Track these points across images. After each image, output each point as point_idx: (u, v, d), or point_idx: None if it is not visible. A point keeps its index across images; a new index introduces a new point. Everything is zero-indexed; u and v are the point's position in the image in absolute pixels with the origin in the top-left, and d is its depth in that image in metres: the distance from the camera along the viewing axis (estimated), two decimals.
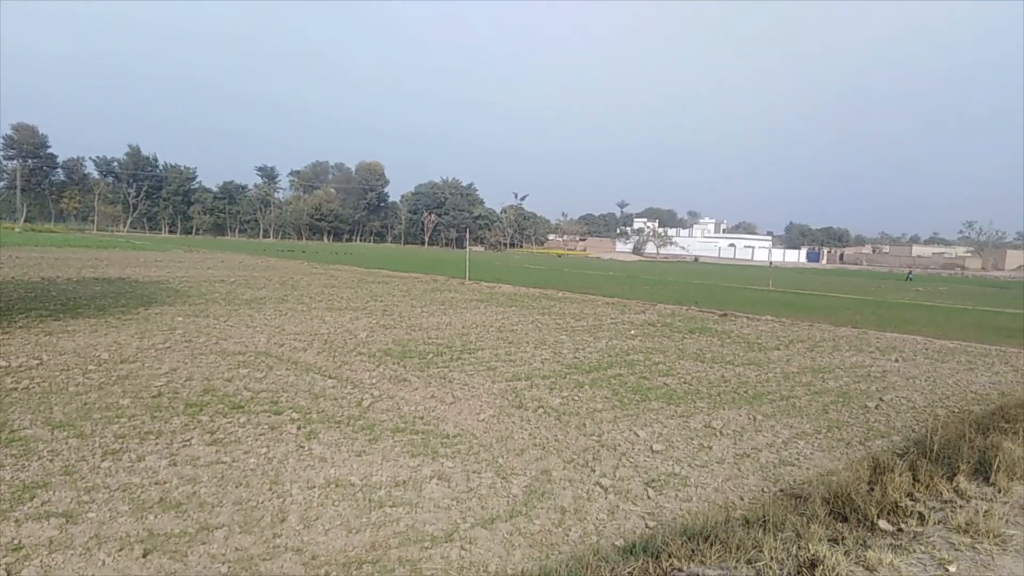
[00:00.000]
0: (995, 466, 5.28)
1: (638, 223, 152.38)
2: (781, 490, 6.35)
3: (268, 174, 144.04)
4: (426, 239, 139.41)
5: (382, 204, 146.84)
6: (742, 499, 6.15)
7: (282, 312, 17.61)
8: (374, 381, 10.23)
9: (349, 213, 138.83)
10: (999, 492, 4.90)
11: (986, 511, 4.36)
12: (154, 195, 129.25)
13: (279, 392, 9.23)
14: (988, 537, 3.99)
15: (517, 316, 19.15)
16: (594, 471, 6.78)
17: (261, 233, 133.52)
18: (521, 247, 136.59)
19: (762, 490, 6.42)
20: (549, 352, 13.44)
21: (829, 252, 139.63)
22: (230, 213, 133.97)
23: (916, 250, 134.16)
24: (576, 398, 9.72)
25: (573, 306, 22.85)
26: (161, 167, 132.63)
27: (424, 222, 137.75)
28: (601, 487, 6.36)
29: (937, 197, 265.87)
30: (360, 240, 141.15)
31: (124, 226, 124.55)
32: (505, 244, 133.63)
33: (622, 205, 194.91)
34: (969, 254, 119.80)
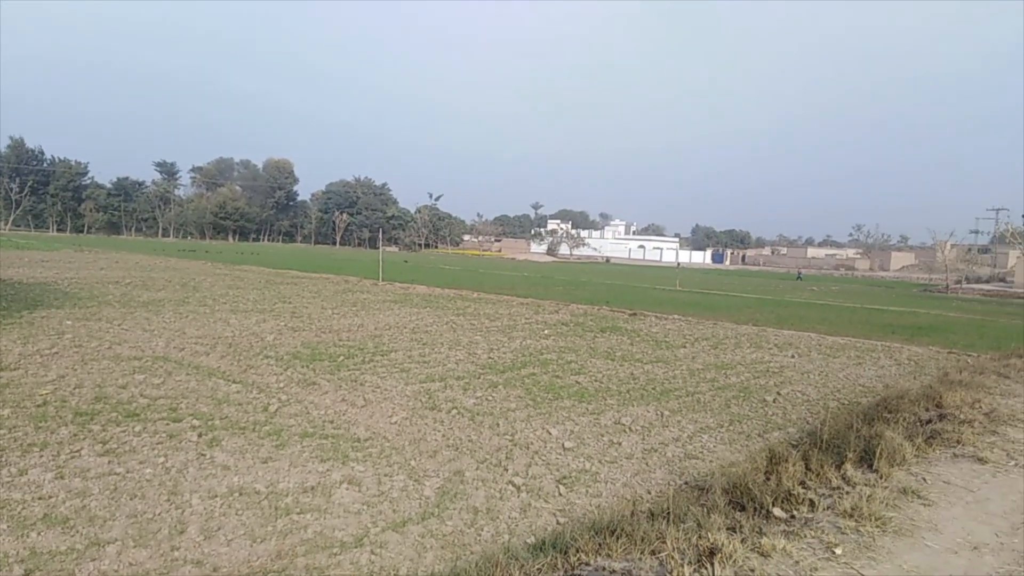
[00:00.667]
0: (878, 453, 5.67)
1: (552, 224, 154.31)
2: (685, 483, 6.58)
3: (167, 170, 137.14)
4: (338, 239, 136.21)
5: (291, 203, 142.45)
6: (649, 492, 6.34)
7: (182, 315, 16.82)
8: (281, 385, 9.93)
9: (256, 212, 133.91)
10: (881, 478, 5.26)
11: (869, 496, 4.67)
12: (40, 191, 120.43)
13: (179, 398, 8.81)
14: (870, 520, 4.28)
15: (431, 317, 19.04)
16: (507, 470, 6.82)
17: (160, 232, 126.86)
18: (436, 247, 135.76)
19: (668, 483, 6.64)
20: (463, 353, 13.43)
21: (732, 253, 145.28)
22: (126, 211, 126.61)
23: (811, 252, 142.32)
24: (490, 398, 9.76)
25: (488, 307, 22.93)
26: (48, 161, 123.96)
27: (336, 222, 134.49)
28: (514, 486, 6.40)
29: (828, 202, 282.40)
30: (268, 240, 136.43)
31: (6, 224, 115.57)
32: (420, 244, 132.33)
33: (536, 207, 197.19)
34: (858, 255, 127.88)
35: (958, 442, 6.47)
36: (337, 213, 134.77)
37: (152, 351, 11.96)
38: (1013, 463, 5.95)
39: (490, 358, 13.02)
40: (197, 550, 4.81)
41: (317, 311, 19.15)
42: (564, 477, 6.72)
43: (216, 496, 5.74)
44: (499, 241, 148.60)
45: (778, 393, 11.09)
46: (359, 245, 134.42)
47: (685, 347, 15.65)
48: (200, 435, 7.31)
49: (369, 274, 35.80)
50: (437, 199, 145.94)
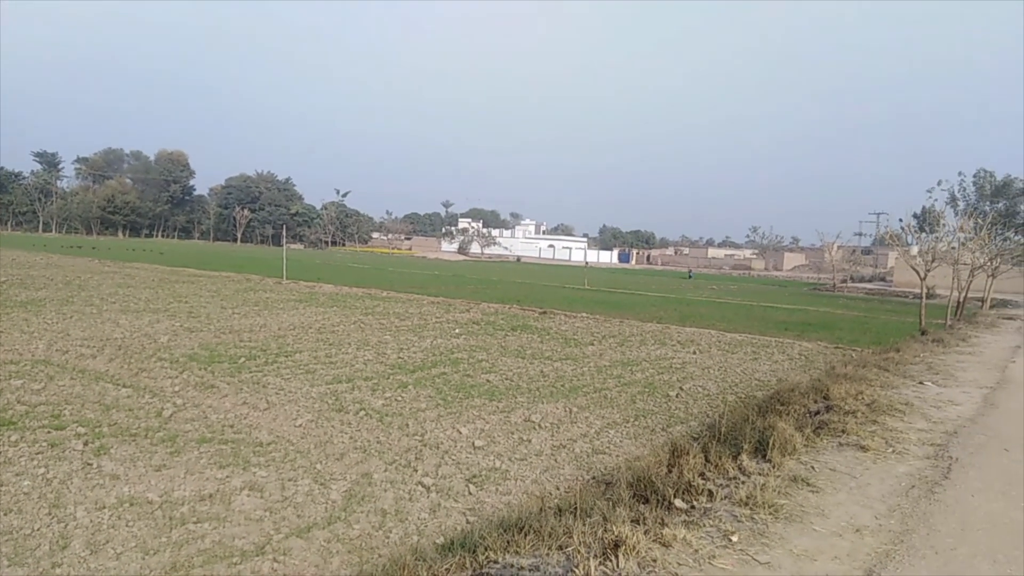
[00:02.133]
0: (771, 444, 5.97)
1: (463, 223, 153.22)
2: (592, 478, 6.72)
3: (48, 160, 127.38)
4: (239, 236, 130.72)
5: (187, 197, 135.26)
6: (557, 488, 6.44)
7: (66, 315, 15.71)
8: (177, 389, 9.44)
9: (149, 206, 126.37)
10: (774, 467, 5.55)
11: (763, 485, 4.92)
12: None
13: (62, 404, 8.21)
14: (764, 508, 4.51)
15: (338, 316, 18.61)
16: (416, 471, 6.76)
17: (41, 227, 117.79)
18: (344, 245, 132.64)
19: (576, 479, 6.76)
20: (372, 353, 13.20)
21: (638, 253, 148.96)
22: (1, 204, 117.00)
23: (711, 252, 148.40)
24: (399, 398, 9.63)
25: (398, 306, 22.64)
26: None
27: (236, 218, 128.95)
28: (423, 486, 6.35)
29: (727, 204, 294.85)
30: (163, 236, 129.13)
31: None
32: (326, 242, 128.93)
33: (447, 205, 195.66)
34: (754, 256, 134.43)
35: (843, 432, 6.91)
36: (238, 209, 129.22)
37: (31, 354, 11.12)
38: (891, 450, 6.41)
39: (400, 358, 12.87)
40: (82, 565, 4.50)
41: (216, 311, 18.34)
42: (474, 476, 6.72)
43: (104, 507, 5.39)
44: (409, 239, 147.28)
45: (681, 388, 11.50)
46: (262, 242, 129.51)
47: (593, 344, 15.99)
48: (86, 443, 6.85)
49: (272, 272, 34.59)
50: (344, 196, 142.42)
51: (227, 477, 6.23)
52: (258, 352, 12.50)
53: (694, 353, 15.60)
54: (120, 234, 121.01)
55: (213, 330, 14.90)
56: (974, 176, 33.27)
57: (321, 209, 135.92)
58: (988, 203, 32.27)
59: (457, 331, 17.09)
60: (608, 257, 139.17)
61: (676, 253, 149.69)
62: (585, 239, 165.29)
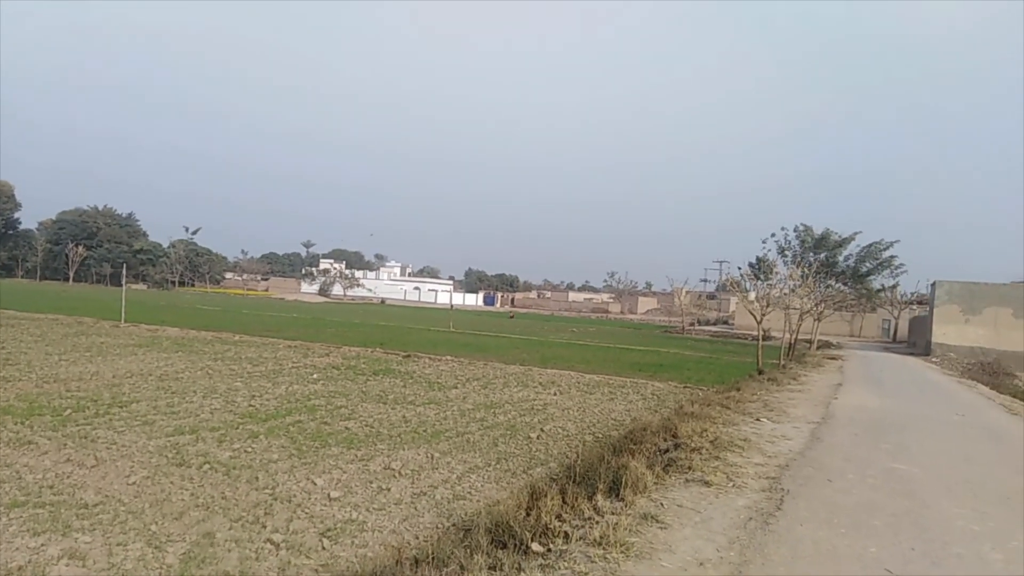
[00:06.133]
0: (624, 483, 6.18)
1: (324, 264, 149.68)
2: (453, 525, 6.62)
3: None
4: (71, 275, 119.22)
5: (11, 232, 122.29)
6: (417, 538, 6.27)
7: None
8: None
9: None
10: (626, 506, 5.73)
11: (615, 524, 5.06)
12: None
13: None
14: (616, 547, 4.63)
15: (184, 362, 17.35)
16: (265, 527, 6.35)
17: None
18: (193, 286, 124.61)
19: (436, 527, 6.63)
20: (220, 401, 12.41)
21: (502, 296, 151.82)
22: None
23: (572, 295, 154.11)
24: (249, 450, 9.08)
25: (251, 350, 21.48)
26: None
27: (69, 255, 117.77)
28: (272, 543, 5.97)
29: (587, 251, 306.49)
30: None
31: None
32: (173, 282, 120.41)
33: (308, 245, 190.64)
34: (611, 300, 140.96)
35: (689, 468, 7.29)
36: (71, 245, 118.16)
37: None
38: (732, 484, 6.83)
39: (251, 406, 12.18)
40: None
41: (40, 357, 16.54)
42: (328, 529, 6.42)
43: None
44: (266, 280, 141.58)
45: (542, 430, 11.69)
46: (98, 282, 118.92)
47: (457, 388, 15.94)
48: None
49: (109, 315, 31.78)
50: (195, 233, 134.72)
51: (42, 546, 5.55)
52: (88, 403, 11.36)
53: (555, 394, 15.95)
54: None
55: (35, 379, 13.41)
56: (795, 229, 36.86)
57: (168, 247, 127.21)
58: (812, 253, 35.87)
59: (315, 376, 16.45)
60: (474, 300, 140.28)
61: (539, 296, 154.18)
62: (451, 282, 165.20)
